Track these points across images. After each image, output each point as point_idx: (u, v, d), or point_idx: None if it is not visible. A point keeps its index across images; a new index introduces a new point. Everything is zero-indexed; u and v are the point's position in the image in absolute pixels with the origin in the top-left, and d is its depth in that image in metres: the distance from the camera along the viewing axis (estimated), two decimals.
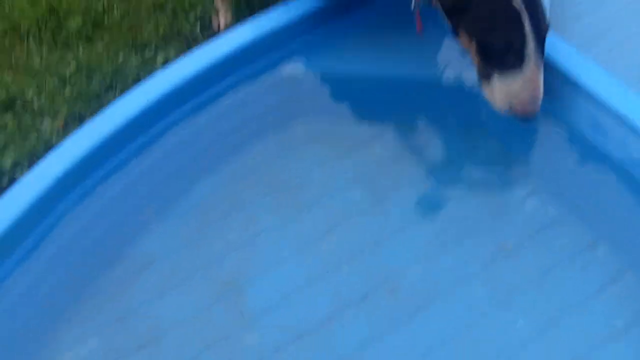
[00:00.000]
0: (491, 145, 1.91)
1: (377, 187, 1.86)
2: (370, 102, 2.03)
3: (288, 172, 1.91)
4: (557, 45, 1.83)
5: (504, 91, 1.69)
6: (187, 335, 1.65)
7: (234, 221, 1.83)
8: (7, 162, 2.15)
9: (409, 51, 1.98)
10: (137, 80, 2.35)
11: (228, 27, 2.52)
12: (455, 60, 1.90)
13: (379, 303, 1.65)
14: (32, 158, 2.13)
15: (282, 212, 1.83)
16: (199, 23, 2.55)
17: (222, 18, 2.57)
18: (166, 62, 2.40)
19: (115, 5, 2.65)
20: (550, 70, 1.78)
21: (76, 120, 2.27)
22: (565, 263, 1.68)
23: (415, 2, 1.79)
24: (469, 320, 1.61)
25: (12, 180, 2.01)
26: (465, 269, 1.69)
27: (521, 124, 1.75)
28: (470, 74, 1.82)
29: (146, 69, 2.40)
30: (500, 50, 1.65)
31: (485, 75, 1.72)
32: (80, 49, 2.52)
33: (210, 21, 2.58)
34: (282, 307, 1.66)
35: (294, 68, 2.04)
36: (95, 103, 2.33)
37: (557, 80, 1.79)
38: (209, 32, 2.53)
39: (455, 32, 1.72)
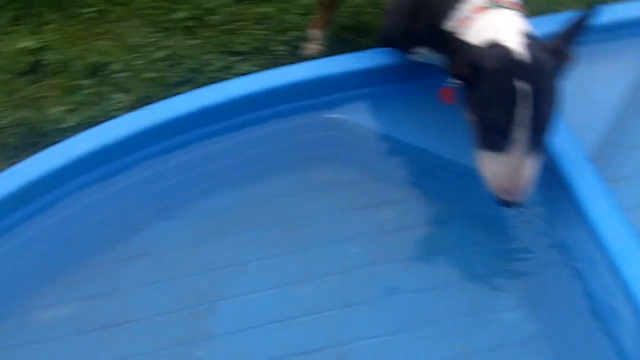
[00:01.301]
0: (498, 245, 1.90)
1: (375, 251, 1.90)
2: (398, 168, 2.07)
3: (297, 211, 1.98)
4: (583, 172, 1.80)
5: (487, 170, 1.70)
6: None
7: (229, 241, 1.91)
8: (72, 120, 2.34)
9: (450, 132, 1.99)
10: (211, 81, 2.49)
11: (317, 55, 2.62)
12: None
13: None
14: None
15: (276, 247, 1.89)
16: (286, 46, 2.65)
17: (314, 46, 2.67)
18: (246, 72, 2.51)
19: (222, 9, 2.80)
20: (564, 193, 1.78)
21: (144, 101, 2.43)
22: None
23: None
24: None
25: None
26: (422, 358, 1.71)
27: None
28: None
29: (222, 75, 2.54)
30: (491, 127, 1.66)
31: (477, 150, 1.73)
32: (178, 38, 2.69)
33: (302, 47, 2.69)
34: (240, 337, 1.74)
35: (340, 115, 2.11)
36: (167, 91, 2.49)
37: (569, 204, 1.77)
38: (294, 56, 2.63)
39: (465, 103, 1.74)
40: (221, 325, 1.77)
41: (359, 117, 2.12)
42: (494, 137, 1.67)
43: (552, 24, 1.80)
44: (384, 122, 2.12)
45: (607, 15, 2.20)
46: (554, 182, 1.84)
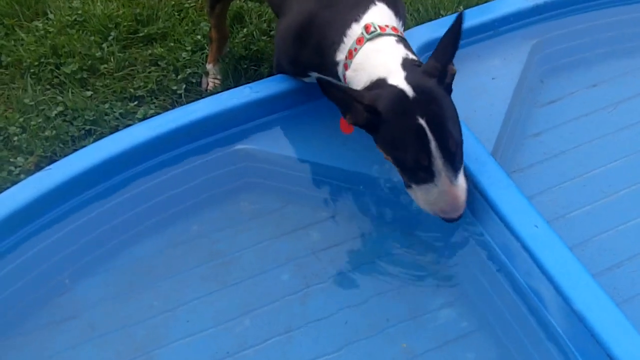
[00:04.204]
0: (423, 248, 1.96)
1: (306, 273, 1.92)
2: (317, 189, 2.10)
3: (225, 245, 1.99)
4: (487, 168, 1.89)
5: (424, 200, 1.76)
6: None
7: (161, 286, 1.91)
8: None
9: (359, 148, 2.04)
10: (114, 129, 2.47)
11: (216, 89, 2.64)
12: None
13: None
14: None
15: (210, 285, 1.90)
16: (184, 84, 2.65)
17: (212, 80, 2.69)
18: (145, 116, 2.51)
19: (113, 55, 2.77)
20: (475, 191, 1.86)
21: (48, 161, 2.39)
22: None
23: None
24: None
25: None
26: None
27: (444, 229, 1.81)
28: None
29: (124, 121, 2.51)
30: (411, 167, 1.71)
31: (407, 185, 1.79)
32: (70, 92, 2.64)
33: (200, 82, 2.70)
34: None
35: (250, 145, 2.12)
36: (71, 147, 2.45)
37: (480, 201, 1.85)
38: (193, 93, 2.64)
39: (376, 145, 1.79)
40: None
41: (267, 144, 2.14)
42: (418, 173, 1.72)
43: (440, 28, 1.86)
44: (293, 146, 2.15)
45: (485, 14, 2.34)
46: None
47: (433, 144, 1.67)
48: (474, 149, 1.93)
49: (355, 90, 1.78)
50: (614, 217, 2.01)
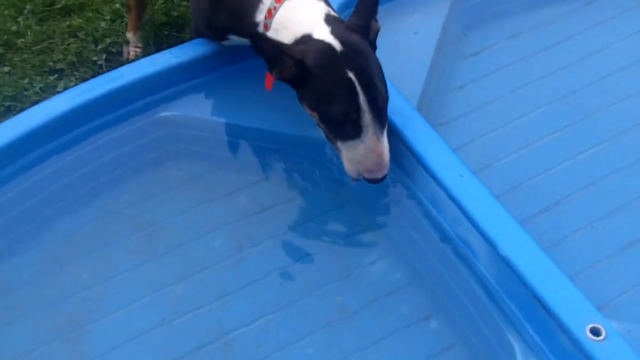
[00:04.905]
0: (353, 206, 1.96)
1: (238, 237, 1.91)
2: (244, 153, 2.08)
3: (154, 214, 1.96)
4: (413, 122, 1.90)
5: (349, 158, 1.75)
6: None
7: (90, 259, 1.87)
8: None
9: (286, 108, 2.02)
10: (35, 104, 2.39)
11: (138, 58, 2.58)
12: None
13: (211, 357, 1.70)
14: None
15: (140, 255, 1.88)
16: (104, 54, 2.59)
17: (133, 49, 2.63)
18: (66, 89, 2.44)
19: (30, 28, 2.69)
20: (402, 145, 1.87)
21: None
22: (401, 331, 1.74)
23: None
24: None
25: None
26: (303, 327, 1.74)
27: (372, 185, 1.81)
28: None
29: (45, 95, 2.45)
30: (339, 121, 1.70)
31: (332, 142, 1.78)
32: None
33: (121, 52, 2.63)
34: (119, 352, 1.71)
35: (173, 111, 2.09)
36: None
37: (407, 155, 1.87)
38: (114, 63, 2.58)
39: (300, 102, 1.78)
40: (97, 346, 1.72)
41: (191, 110, 2.11)
42: (345, 128, 1.71)
43: None
44: (217, 110, 2.13)
45: None
46: (390, 136, 1.92)
47: (362, 98, 1.67)
48: (399, 104, 1.93)
49: (285, 44, 1.75)
50: (539, 164, 2.04)
